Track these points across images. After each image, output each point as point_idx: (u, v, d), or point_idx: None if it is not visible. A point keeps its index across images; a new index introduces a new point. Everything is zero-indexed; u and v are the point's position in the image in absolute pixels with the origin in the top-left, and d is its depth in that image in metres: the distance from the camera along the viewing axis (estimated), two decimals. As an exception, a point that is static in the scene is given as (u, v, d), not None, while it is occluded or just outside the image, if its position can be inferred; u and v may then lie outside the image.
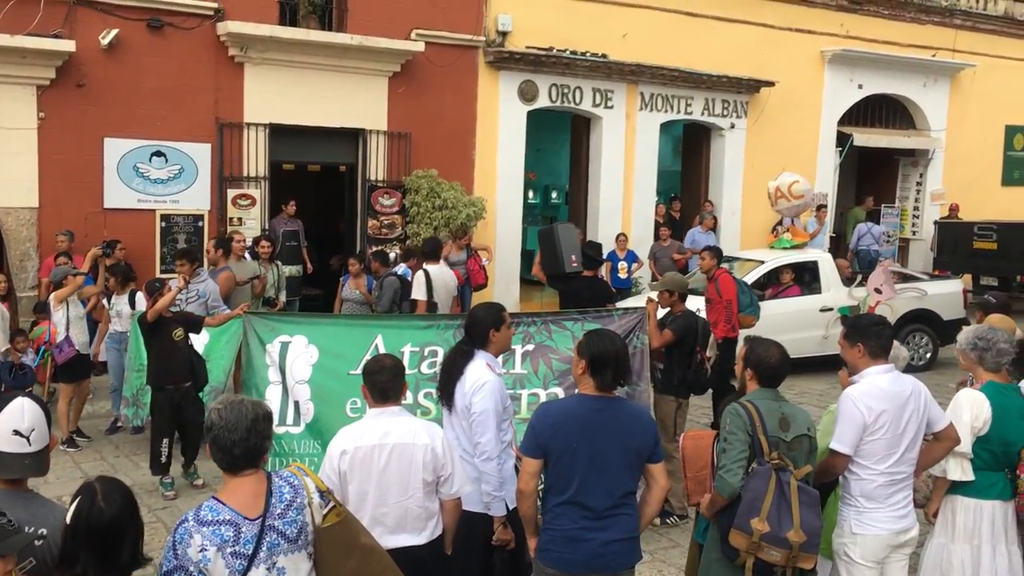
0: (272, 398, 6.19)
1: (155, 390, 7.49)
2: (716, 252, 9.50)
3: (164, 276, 9.12)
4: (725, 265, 12.46)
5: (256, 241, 10.18)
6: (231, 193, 11.81)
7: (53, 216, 10.77)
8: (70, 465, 8.05)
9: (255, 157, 11.98)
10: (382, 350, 5.92)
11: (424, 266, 8.93)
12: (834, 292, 11.80)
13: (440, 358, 6.07)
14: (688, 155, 17.21)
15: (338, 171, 13.59)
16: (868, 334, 4.32)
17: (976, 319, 6.90)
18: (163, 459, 7.37)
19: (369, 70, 12.57)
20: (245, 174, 11.95)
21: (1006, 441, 4.46)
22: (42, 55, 10.50)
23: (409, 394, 6.01)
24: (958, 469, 4.45)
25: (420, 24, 12.88)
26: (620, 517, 3.86)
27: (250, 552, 2.95)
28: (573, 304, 8.57)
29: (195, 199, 11.66)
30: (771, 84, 15.84)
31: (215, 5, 11.50)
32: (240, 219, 11.82)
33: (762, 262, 11.89)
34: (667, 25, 14.89)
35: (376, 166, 12.83)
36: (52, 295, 8.81)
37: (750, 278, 11.18)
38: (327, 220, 14.26)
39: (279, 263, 10.41)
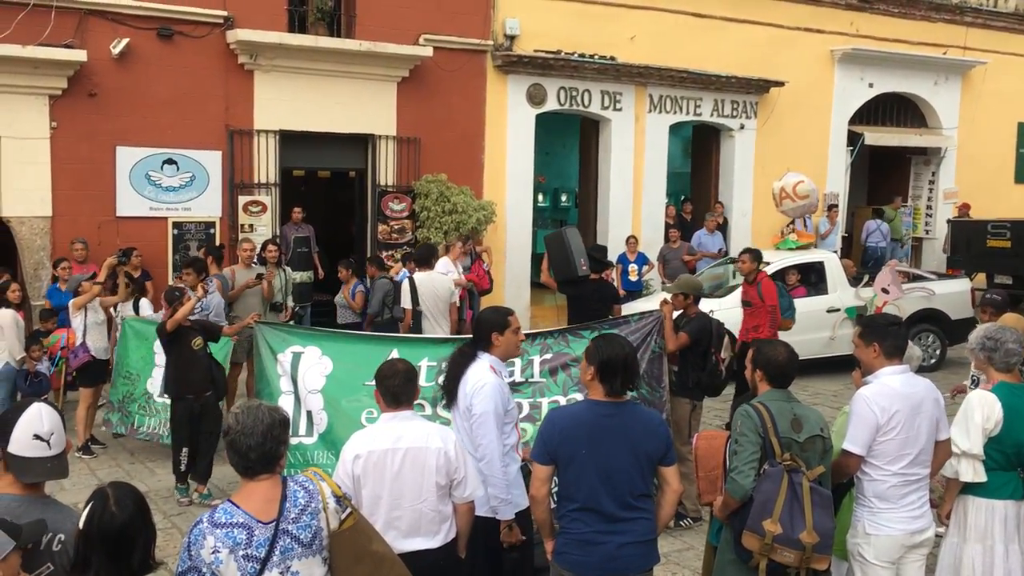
0: (284, 408, 6.17)
1: (174, 400, 7.40)
2: (756, 254, 9.36)
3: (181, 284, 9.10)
4: (725, 267, 12.49)
5: (263, 246, 10.19)
6: (242, 200, 11.87)
7: (66, 225, 10.84)
8: (86, 472, 8.08)
9: (265, 164, 12.04)
10: None
11: (414, 273, 8.79)
12: (841, 293, 11.75)
13: None
14: (698, 156, 17.19)
15: (348, 176, 13.63)
16: (884, 334, 4.31)
17: (981, 318, 6.85)
18: (182, 468, 7.36)
19: (378, 76, 12.61)
20: (256, 181, 12.00)
21: (1018, 442, 4.44)
22: (54, 65, 10.58)
23: (428, 407, 6.02)
24: (970, 470, 4.43)
25: (428, 29, 12.92)
26: (635, 521, 3.85)
27: (263, 555, 2.96)
28: (583, 308, 8.56)
29: (206, 206, 11.72)
30: (781, 84, 15.81)
31: (224, 13, 11.56)
32: (251, 226, 11.88)
33: (768, 263, 11.85)
34: (675, 26, 14.89)
35: (386, 171, 12.87)
36: (71, 302, 8.90)
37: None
38: (338, 225, 14.30)
39: (287, 268, 10.43)
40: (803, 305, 10.76)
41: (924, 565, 4.40)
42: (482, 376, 4.45)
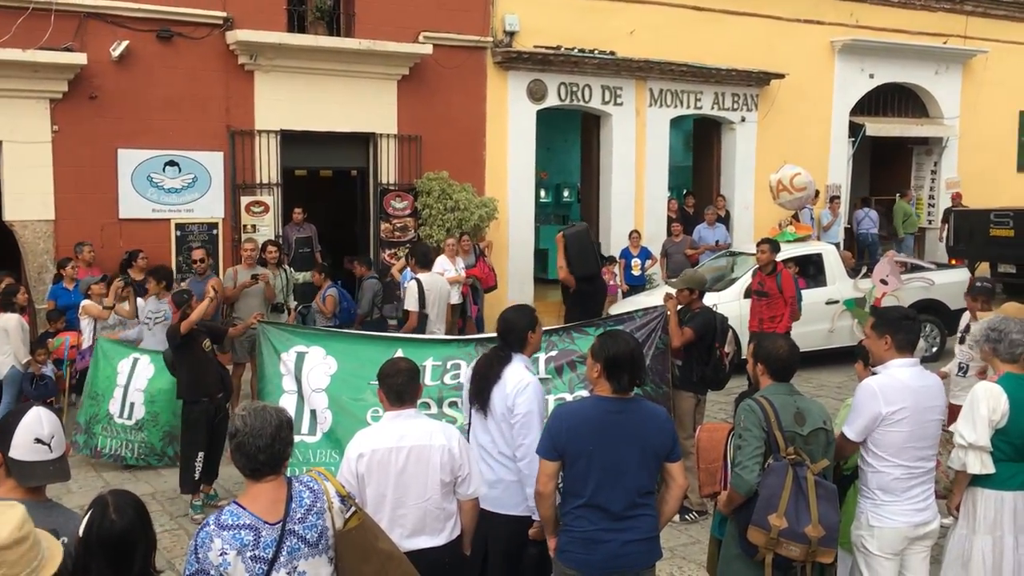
0: (287, 407, 6.16)
1: (189, 403, 7.27)
2: (775, 245, 9.33)
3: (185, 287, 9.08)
4: (723, 261, 12.46)
5: (263, 247, 10.17)
6: (244, 200, 11.89)
7: (69, 228, 10.87)
8: (92, 475, 8.11)
9: (267, 164, 12.05)
10: None
11: (417, 275, 8.58)
12: (839, 284, 11.71)
13: (463, 371, 6.05)
14: (699, 150, 17.17)
15: (350, 175, 13.64)
16: (897, 327, 4.29)
17: (972, 307, 6.81)
18: (196, 475, 7.15)
19: (378, 74, 12.61)
20: (258, 181, 12.02)
21: (1026, 432, 4.43)
22: (54, 68, 10.60)
23: (434, 405, 6.01)
24: (977, 463, 4.42)
25: (427, 27, 12.92)
26: (639, 518, 3.85)
27: (270, 556, 2.98)
28: (591, 304, 8.57)
29: (209, 207, 11.74)
30: (781, 76, 15.78)
31: (224, 14, 11.57)
32: (254, 226, 11.89)
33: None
34: (674, 20, 14.87)
35: (387, 169, 12.87)
36: (81, 305, 8.94)
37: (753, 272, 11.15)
38: (341, 224, 14.32)
39: (288, 268, 10.42)
40: (802, 296, 10.73)
41: (928, 557, 4.40)
42: (523, 376, 4.41)
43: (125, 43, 10.99)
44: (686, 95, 15.31)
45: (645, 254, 13.67)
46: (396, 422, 4.01)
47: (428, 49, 12.73)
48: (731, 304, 10.21)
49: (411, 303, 8.30)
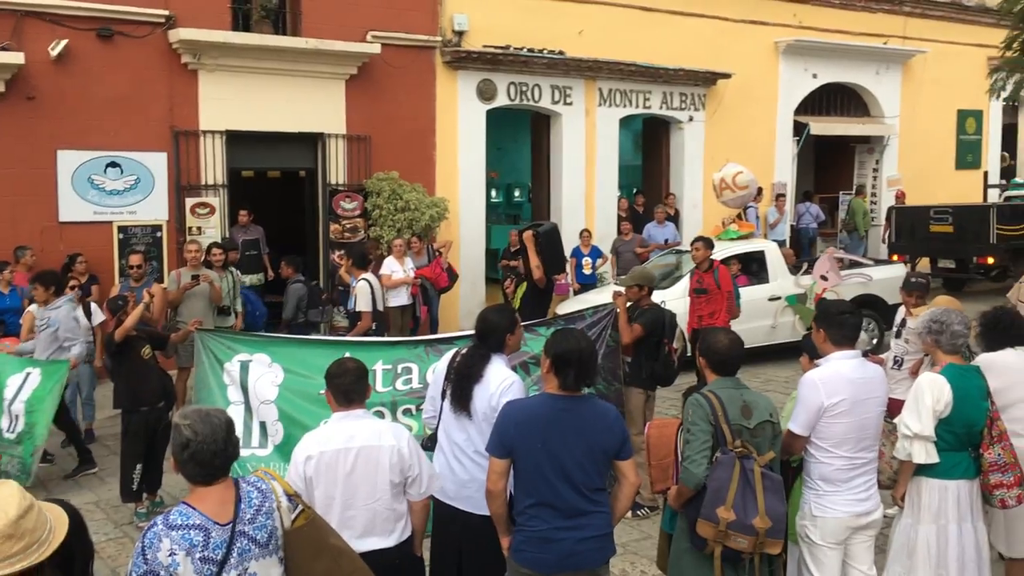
0: (233, 419, 5.96)
1: (127, 412, 7.07)
2: (709, 242, 9.44)
3: (125, 292, 8.85)
4: (672, 258, 12.57)
5: (208, 250, 9.98)
6: (189, 202, 11.69)
7: (7, 232, 10.56)
8: (35, 483, 7.88)
9: (212, 165, 11.86)
10: None
11: (364, 276, 8.50)
12: (781, 281, 11.85)
13: (415, 374, 6.00)
14: (649, 149, 17.32)
15: (298, 176, 13.50)
16: (831, 322, 4.39)
17: (907, 302, 6.93)
18: (135, 486, 6.98)
19: (325, 74, 12.49)
20: (203, 182, 11.82)
21: (968, 421, 4.50)
22: (-10, 68, 10.34)
23: (388, 413, 5.93)
24: (923, 452, 4.49)
25: (375, 26, 12.83)
26: (592, 515, 3.85)
27: (219, 557, 2.93)
28: (546, 301, 8.57)
29: (152, 209, 11.52)
30: (727, 76, 15.98)
31: (166, 12, 11.36)
32: (199, 228, 11.70)
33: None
34: (623, 20, 14.97)
35: (336, 170, 12.76)
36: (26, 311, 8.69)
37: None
38: (289, 226, 14.15)
39: (234, 270, 10.24)
40: (745, 294, 10.89)
41: (872, 546, 4.47)
42: (507, 375, 4.40)
43: (64, 42, 10.74)
44: (635, 95, 15.42)
45: (596, 253, 13.72)
46: (344, 423, 3.96)
47: (376, 48, 12.65)
48: (677, 301, 10.30)
49: (364, 303, 8.22)
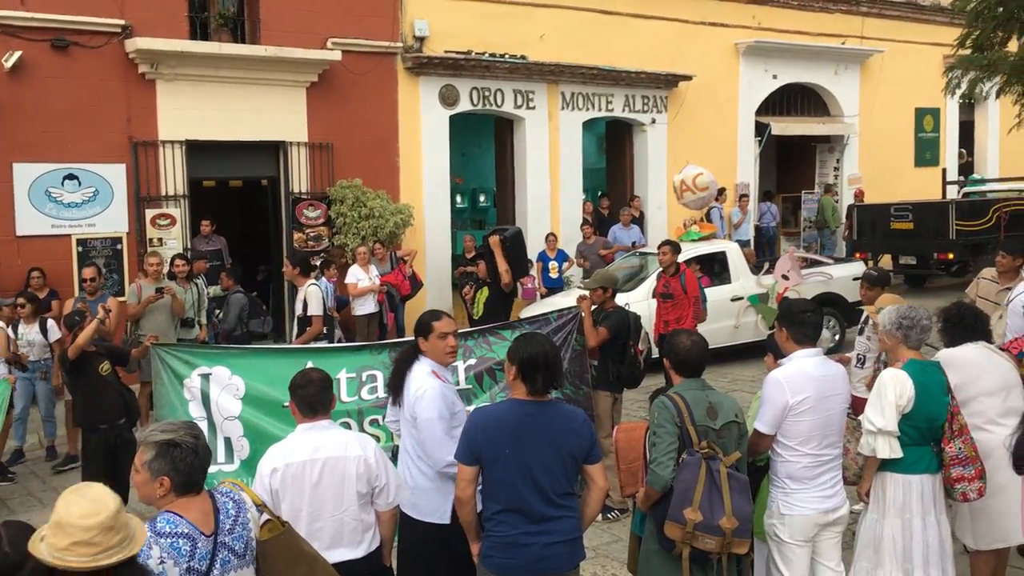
0: None
1: (86, 431, 6.92)
2: (675, 246, 9.46)
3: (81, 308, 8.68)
4: (636, 260, 12.62)
5: (172, 261, 9.87)
6: (149, 213, 11.55)
7: (-38, 247, 10.40)
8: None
9: (173, 175, 11.72)
10: None
11: (312, 282, 8.40)
12: (743, 281, 11.95)
13: (380, 382, 5.92)
14: (612, 152, 17.39)
15: (260, 185, 13.39)
16: (791, 321, 4.45)
17: (861, 294, 7.01)
18: None
19: (286, 81, 12.40)
20: (163, 193, 11.68)
21: (930, 416, 4.55)
22: (-59, 80, 10.15)
23: (354, 424, 5.84)
24: (887, 447, 4.52)
25: (335, 33, 12.76)
26: (560, 520, 3.85)
27: (204, 568, 2.93)
28: (510, 304, 8.55)
29: (112, 222, 11.36)
30: (689, 78, 16.09)
31: (122, 22, 11.22)
32: (160, 240, 11.56)
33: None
34: (584, 24, 15.03)
35: (299, 178, 12.67)
36: None
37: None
38: (252, 235, 14.04)
39: (199, 282, 10.13)
40: (708, 294, 10.96)
41: (839, 542, 4.51)
42: (422, 382, 4.36)
43: (18, 54, 10.58)
44: (597, 98, 15.48)
45: (562, 256, 13.75)
46: (310, 434, 3.93)
47: (337, 55, 12.58)
48: (641, 304, 10.35)
49: (316, 307, 8.09)
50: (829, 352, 5.08)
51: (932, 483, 4.59)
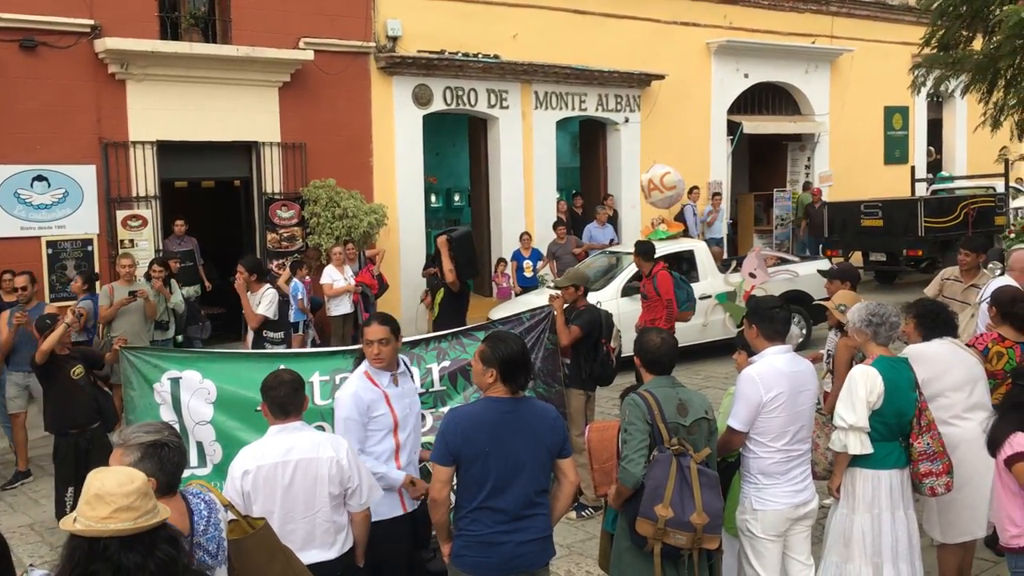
0: None
1: (57, 435, 6.85)
2: (646, 251, 9.37)
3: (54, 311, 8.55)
4: (607, 259, 12.62)
5: (150, 266, 9.78)
6: (120, 215, 11.45)
7: (-71, 249, 10.26)
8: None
9: (144, 176, 11.64)
10: None
11: (268, 286, 8.30)
12: (711, 280, 11.98)
13: None
14: (586, 151, 17.44)
15: (233, 186, 13.31)
16: (760, 317, 4.51)
17: (826, 288, 7.08)
18: (68, 508, 6.69)
19: (258, 81, 12.34)
20: (134, 194, 11.59)
21: (899, 412, 4.60)
22: (-94, 81, 10.00)
23: (329, 428, 5.81)
24: (857, 443, 4.57)
25: (308, 32, 12.72)
26: (534, 517, 3.87)
27: None
28: (461, 306, 8.60)
29: (82, 223, 11.26)
30: (661, 77, 16.17)
31: (91, 22, 11.12)
32: (132, 241, 11.46)
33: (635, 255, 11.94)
34: (557, 24, 15.06)
35: (272, 178, 12.61)
36: None
37: (629, 272, 11.29)
38: (225, 236, 13.95)
39: (172, 283, 10.03)
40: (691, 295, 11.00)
41: (809, 536, 4.57)
42: (348, 384, 4.56)
43: (-15, 53, 10.46)
44: (571, 97, 15.52)
45: (536, 255, 13.78)
46: (282, 436, 3.92)
47: (309, 55, 12.53)
48: (610, 302, 10.37)
49: (265, 308, 8.02)
50: (798, 349, 5.12)
51: (901, 478, 4.65)
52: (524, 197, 15.19)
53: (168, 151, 11.84)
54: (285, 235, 12.59)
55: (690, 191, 15.73)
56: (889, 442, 4.64)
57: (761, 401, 4.29)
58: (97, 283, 10.09)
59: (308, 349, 7.49)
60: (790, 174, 19.63)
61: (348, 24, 13.14)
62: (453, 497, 3.99)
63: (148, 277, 9.66)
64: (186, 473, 5.62)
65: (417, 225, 14.11)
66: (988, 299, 6.55)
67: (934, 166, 21.76)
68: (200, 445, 5.86)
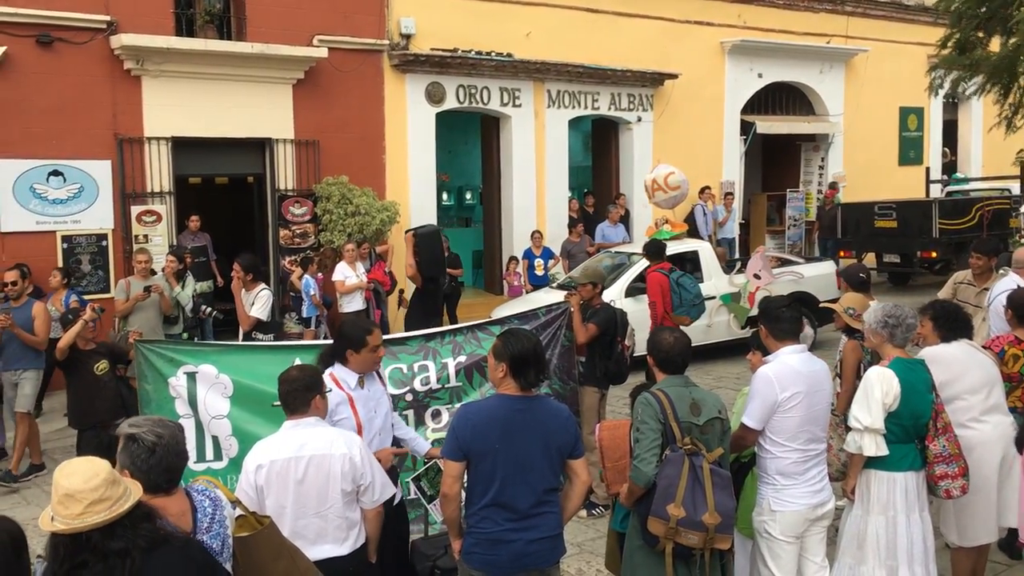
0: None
1: (79, 431, 6.82)
2: (653, 249, 9.36)
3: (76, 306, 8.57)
4: (620, 258, 12.58)
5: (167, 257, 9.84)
6: (135, 210, 11.50)
7: (-54, 243, 10.34)
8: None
9: (158, 172, 11.68)
10: None
11: (264, 286, 8.35)
12: (715, 280, 11.89)
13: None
14: (598, 150, 17.41)
15: (246, 182, 13.35)
16: (768, 318, 4.50)
17: (842, 288, 7.06)
18: None
19: (272, 78, 12.37)
20: (149, 190, 11.64)
21: (915, 414, 4.58)
22: (-76, 76, 10.07)
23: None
24: (873, 445, 4.54)
25: (322, 30, 12.74)
26: (544, 516, 3.88)
27: None
28: (431, 302, 8.64)
29: (98, 218, 11.31)
30: (674, 76, 16.13)
31: (107, 18, 11.17)
32: (146, 236, 11.52)
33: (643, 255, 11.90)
34: (570, 22, 15.04)
35: (285, 175, 12.64)
36: None
37: (633, 271, 11.25)
38: (239, 232, 14.00)
39: (187, 278, 10.09)
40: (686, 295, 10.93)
41: (825, 537, 4.55)
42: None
43: (2, 49, 10.52)
44: (583, 96, 15.50)
45: (547, 254, 13.77)
46: (296, 431, 3.94)
47: (323, 53, 12.56)
48: (614, 302, 10.33)
49: (259, 310, 8.03)
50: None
51: (916, 480, 4.63)
52: (536, 196, 15.18)
53: (183, 147, 11.88)
54: (298, 231, 12.62)
55: (701, 191, 15.70)
56: (905, 444, 4.62)
57: (776, 400, 4.27)
58: (110, 278, 10.17)
59: (323, 342, 7.47)
60: (803, 175, 19.55)
61: (362, 22, 13.16)
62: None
63: (152, 272, 9.69)
64: (202, 467, 5.73)
65: (429, 222, 14.09)
66: (998, 300, 6.53)
67: (949, 167, 21.63)
68: (216, 439, 5.85)
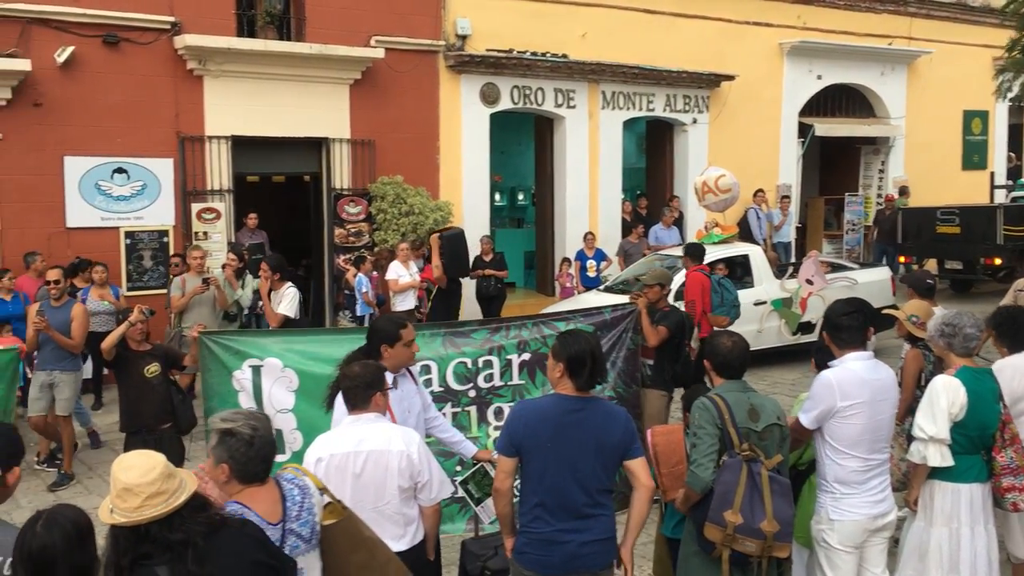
0: None
1: (128, 434, 6.68)
2: (695, 252, 9.37)
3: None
4: (669, 260, 12.46)
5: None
6: (195, 207, 11.72)
7: (15, 238, 10.62)
8: (42, 489, 7.91)
9: (218, 170, 11.89)
10: None
11: (290, 284, 8.34)
12: (767, 285, 11.68)
13: (435, 374, 5.87)
14: (652, 152, 17.30)
15: (303, 181, 13.53)
16: (829, 325, 4.41)
17: (907, 295, 6.94)
18: None
19: (329, 78, 12.52)
20: (209, 188, 11.86)
21: (982, 424, 4.48)
22: (-3, 75, 10.36)
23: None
24: (937, 455, 4.46)
25: (379, 31, 12.85)
26: (597, 518, 3.86)
27: None
28: (453, 302, 8.60)
29: (159, 215, 11.55)
30: (731, 78, 15.96)
31: (172, 19, 11.40)
32: (205, 233, 11.73)
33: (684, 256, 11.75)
34: (626, 23, 14.97)
35: (340, 174, 12.78)
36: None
37: (680, 276, 11.14)
38: (294, 230, 14.20)
39: (249, 277, 10.27)
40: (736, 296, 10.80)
41: (886, 549, 4.44)
42: None
43: (70, 49, 10.78)
44: (638, 97, 15.42)
45: (600, 255, 13.73)
46: (356, 427, 3.98)
47: (380, 53, 12.67)
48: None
49: (287, 307, 8.03)
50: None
51: (981, 492, 4.54)
52: (588, 197, 15.14)
53: (242, 146, 12.08)
54: (352, 230, 12.75)
55: (755, 194, 15.52)
56: (971, 455, 4.52)
57: (835, 406, 4.18)
58: (169, 274, 10.35)
59: None
60: (863, 178, 19.21)
61: (418, 23, 13.26)
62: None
63: (222, 268, 9.88)
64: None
65: (481, 223, 14.15)
66: None
67: (1014, 172, 21.07)
68: (279, 432, 5.80)
